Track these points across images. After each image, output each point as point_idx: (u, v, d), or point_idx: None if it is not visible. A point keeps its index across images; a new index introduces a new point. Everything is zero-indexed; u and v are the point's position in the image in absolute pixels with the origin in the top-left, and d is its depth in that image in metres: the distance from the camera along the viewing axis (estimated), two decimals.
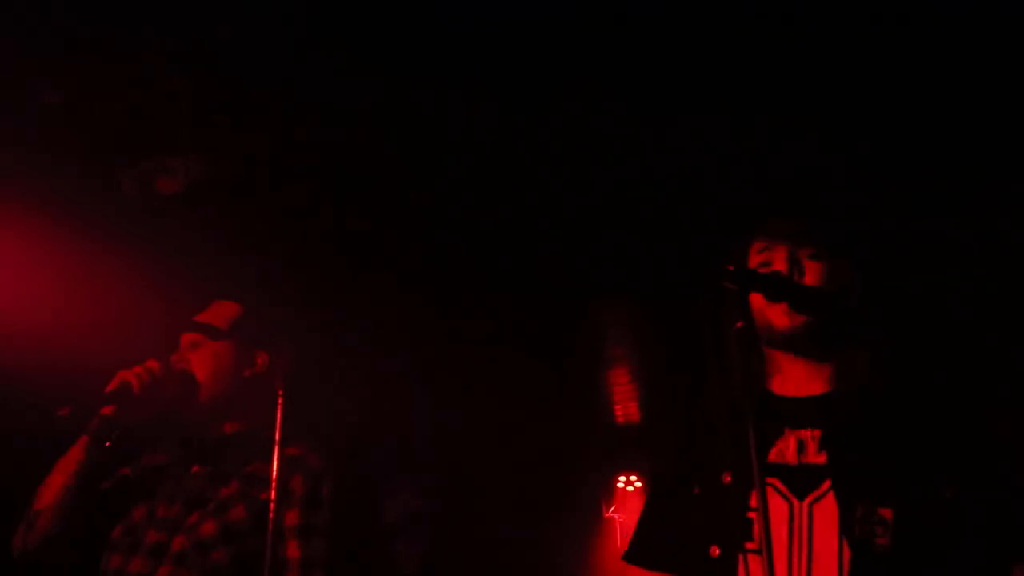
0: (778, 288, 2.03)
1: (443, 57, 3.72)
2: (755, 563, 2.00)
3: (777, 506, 2.02)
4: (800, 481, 2.03)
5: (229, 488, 2.55)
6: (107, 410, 2.54)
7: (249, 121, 3.77)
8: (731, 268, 1.96)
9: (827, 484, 2.00)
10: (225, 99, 3.57)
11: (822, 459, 2.04)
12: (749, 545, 2.02)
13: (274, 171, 3.90)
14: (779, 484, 2.05)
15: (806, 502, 2.01)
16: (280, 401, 2.30)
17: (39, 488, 2.56)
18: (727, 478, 2.09)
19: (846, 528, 1.95)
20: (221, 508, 2.51)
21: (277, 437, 2.26)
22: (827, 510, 1.98)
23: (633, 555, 2.27)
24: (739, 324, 1.93)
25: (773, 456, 2.09)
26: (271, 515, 2.26)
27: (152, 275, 3.86)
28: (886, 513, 1.93)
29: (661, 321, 4.68)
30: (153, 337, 2.89)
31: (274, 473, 2.27)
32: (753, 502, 2.01)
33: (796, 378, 2.16)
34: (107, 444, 2.55)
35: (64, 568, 2.66)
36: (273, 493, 2.26)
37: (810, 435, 2.08)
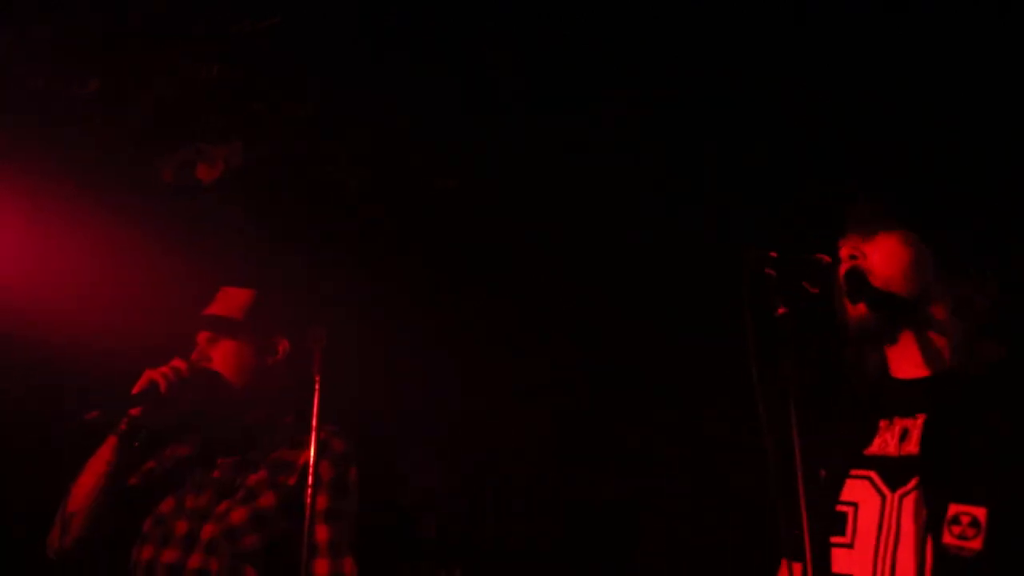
0: (816, 273, 1.98)
1: (473, 49, 3.73)
2: (841, 557, 1.96)
3: (870, 500, 1.97)
4: (895, 473, 1.97)
5: (257, 475, 2.58)
6: (135, 411, 2.56)
7: (278, 111, 3.79)
8: (773, 254, 1.94)
9: (917, 478, 1.93)
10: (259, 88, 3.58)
11: (917, 449, 1.96)
12: (837, 539, 1.98)
13: (300, 159, 3.91)
14: (875, 477, 1.99)
15: (898, 495, 1.95)
16: (317, 387, 2.30)
17: (71, 489, 2.58)
18: (822, 472, 2.04)
19: (932, 526, 1.87)
20: (250, 495, 2.54)
21: (315, 424, 2.27)
22: (916, 505, 1.91)
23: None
24: (781, 310, 1.91)
25: (875, 447, 2.03)
26: (308, 499, 2.26)
27: (168, 260, 3.86)
28: (979, 513, 1.83)
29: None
30: (173, 322, 2.89)
31: (312, 459, 2.28)
32: (844, 495, 2.00)
33: (904, 358, 2.08)
34: (135, 444, 2.57)
35: (97, 565, 2.68)
36: (311, 478, 2.27)
37: (915, 422, 2.00)
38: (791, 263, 1.96)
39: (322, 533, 2.50)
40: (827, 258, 2.00)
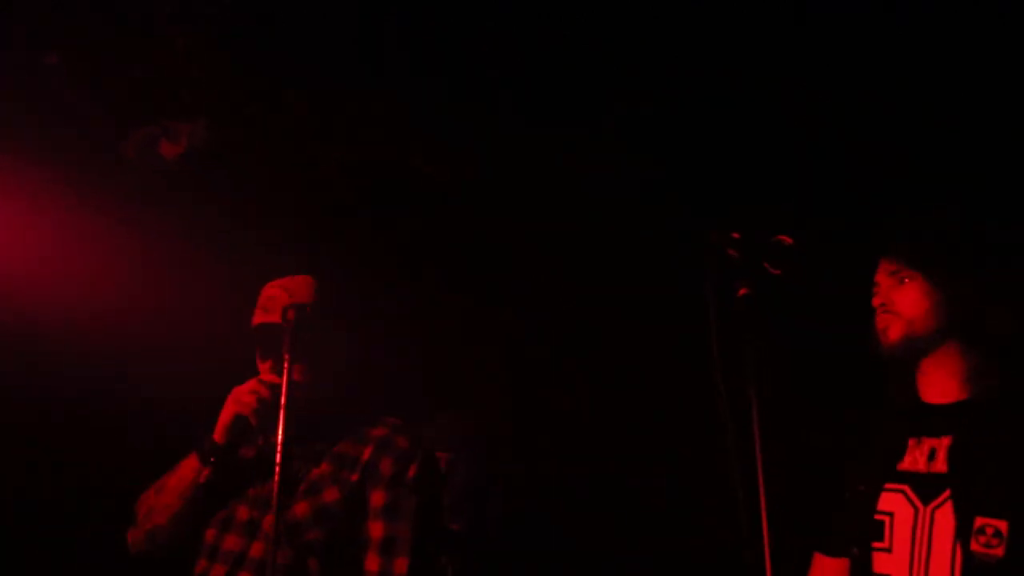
0: (778, 255, 2.04)
1: (473, 48, 3.74)
2: (881, 560, 2.21)
3: (904, 511, 2.20)
4: (926, 488, 2.19)
5: (320, 469, 2.53)
6: (218, 438, 2.53)
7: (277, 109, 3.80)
8: (735, 235, 1.96)
9: (947, 493, 2.15)
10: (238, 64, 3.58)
11: (945, 468, 2.18)
12: (877, 544, 2.23)
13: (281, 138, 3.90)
14: (908, 490, 2.22)
15: (929, 508, 2.17)
16: (286, 365, 2.30)
17: (148, 503, 2.59)
18: (860, 487, 2.30)
19: (961, 536, 2.09)
20: (314, 489, 2.50)
21: (283, 401, 2.27)
22: (946, 517, 2.13)
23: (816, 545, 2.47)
24: (742, 291, 1.94)
25: (906, 464, 2.25)
26: (275, 486, 2.25)
27: (166, 251, 3.87)
28: (1001, 525, 2.05)
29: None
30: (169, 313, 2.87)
31: (279, 440, 2.27)
32: (880, 506, 2.24)
33: (931, 385, 2.30)
34: (212, 460, 2.54)
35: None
36: (279, 456, 2.27)
37: (941, 443, 2.22)
38: (754, 244, 1.99)
39: (377, 530, 2.47)
40: (789, 239, 2.03)
